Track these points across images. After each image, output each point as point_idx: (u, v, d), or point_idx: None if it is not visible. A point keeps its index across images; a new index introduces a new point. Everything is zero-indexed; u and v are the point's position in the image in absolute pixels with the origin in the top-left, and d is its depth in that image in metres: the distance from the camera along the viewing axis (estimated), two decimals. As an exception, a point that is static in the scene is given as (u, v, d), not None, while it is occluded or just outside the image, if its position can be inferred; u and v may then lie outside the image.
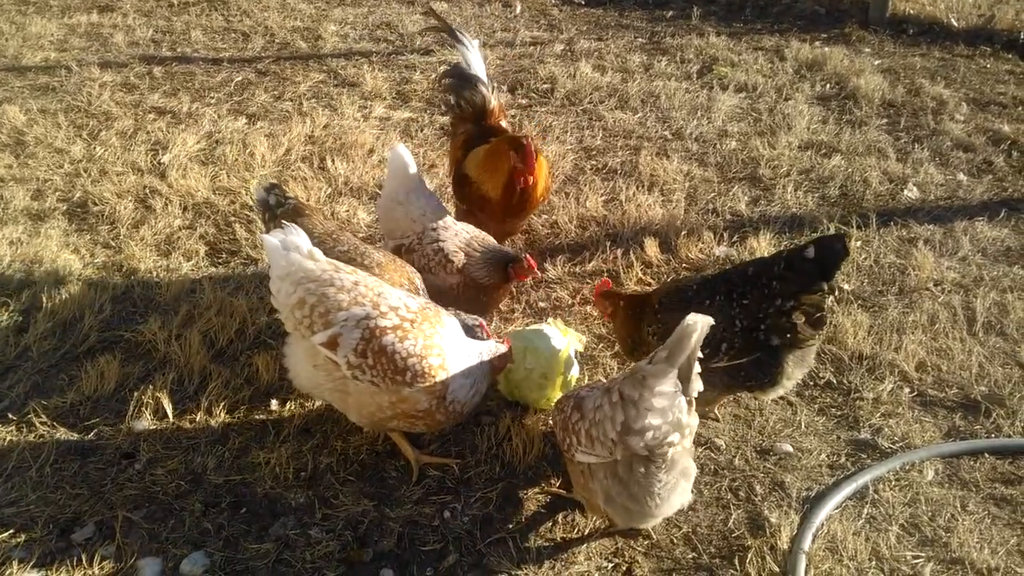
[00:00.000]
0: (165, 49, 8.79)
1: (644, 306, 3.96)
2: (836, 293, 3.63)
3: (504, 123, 5.35)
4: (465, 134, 5.22)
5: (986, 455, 3.96)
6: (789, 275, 3.53)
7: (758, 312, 3.58)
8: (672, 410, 2.94)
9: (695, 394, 3.00)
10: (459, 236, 4.49)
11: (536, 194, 4.84)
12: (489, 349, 3.71)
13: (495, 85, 5.42)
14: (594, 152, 6.77)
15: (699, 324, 2.85)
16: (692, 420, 3.05)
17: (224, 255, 5.38)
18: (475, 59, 5.30)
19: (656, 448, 2.99)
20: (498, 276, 4.43)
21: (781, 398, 4.27)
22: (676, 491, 3.17)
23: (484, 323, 3.93)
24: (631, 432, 2.97)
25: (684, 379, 2.94)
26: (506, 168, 4.69)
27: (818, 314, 3.54)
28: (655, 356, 2.95)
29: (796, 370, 3.72)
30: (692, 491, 3.31)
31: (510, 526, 3.58)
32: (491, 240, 4.58)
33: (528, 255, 4.39)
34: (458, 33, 5.37)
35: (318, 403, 4.11)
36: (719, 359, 3.63)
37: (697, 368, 2.95)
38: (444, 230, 4.50)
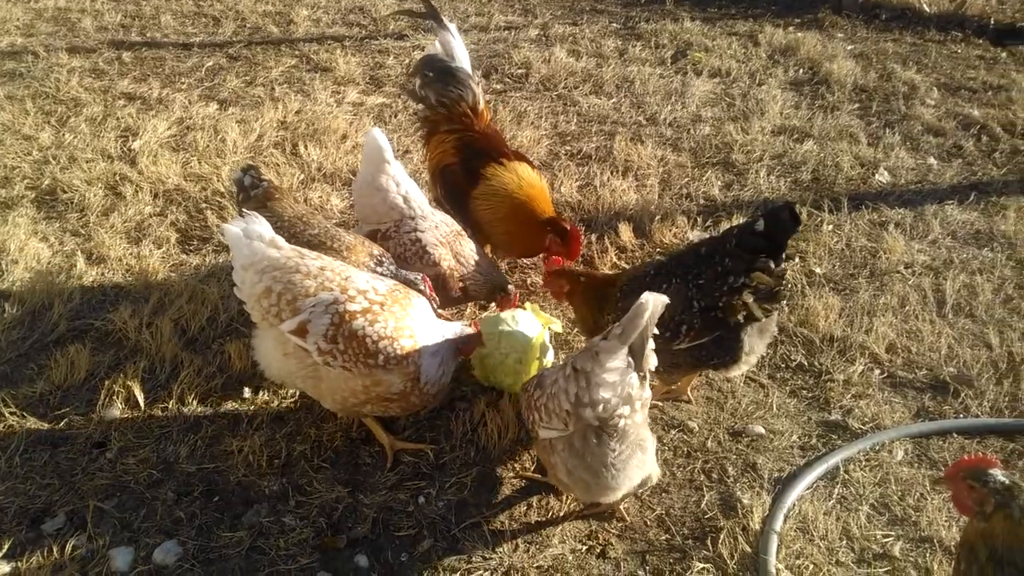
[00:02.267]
0: (135, 34, 8.68)
1: (608, 291, 3.93)
2: (789, 263, 3.60)
3: (493, 123, 5.16)
4: (456, 138, 4.93)
5: (955, 435, 4.01)
6: (740, 252, 3.53)
7: (713, 291, 3.58)
8: (623, 385, 2.99)
9: (649, 369, 3.05)
10: (439, 229, 4.45)
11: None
12: (455, 330, 3.71)
13: (478, 78, 5.23)
14: (568, 137, 6.77)
15: (651, 302, 2.90)
16: (644, 393, 3.10)
17: (195, 242, 5.34)
18: (459, 48, 5.05)
19: (607, 420, 3.04)
20: (487, 298, 4.49)
21: (752, 380, 4.30)
22: (632, 462, 3.20)
23: (425, 277, 3.98)
24: (583, 404, 3.02)
25: (637, 355, 2.99)
26: (541, 246, 4.61)
27: (774, 289, 3.54)
28: (610, 332, 3.00)
29: (758, 343, 3.74)
30: (663, 469, 3.33)
31: (485, 510, 3.59)
32: (476, 249, 4.52)
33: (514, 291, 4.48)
34: (443, 19, 5.11)
35: (291, 390, 4.09)
36: (681, 341, 3.65)
37: (651, 345, 3.00)
38: (423, 220, 4.45)
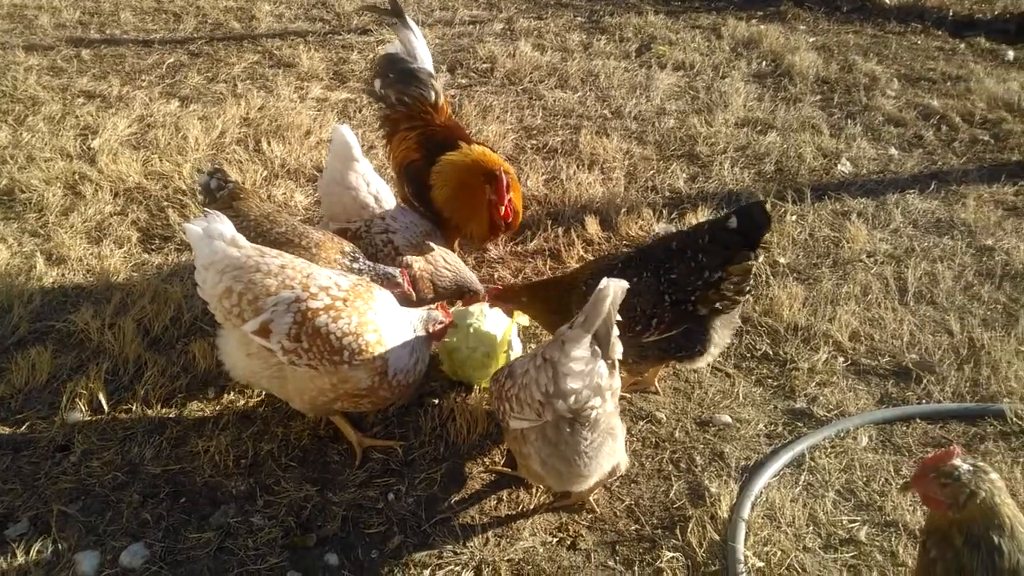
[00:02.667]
0: (93, 31, 8.54)
1: (571, 290, 3.89)
2: (763, 256, 3.63)
3: (455, 117, 5.10)
4: (418, 134, 4.90)
5: (918, 420, 4.07)
6: (714, 247, 3.56)
7: (687, 285, 3.61)
8: (591, 374, 3.00)
9: (616, 357, 3.06)
10: (410, 230, 4.43)
11: (517, 221, 4.70)
12: (421, 316, 3.68)
13: (443, 73, 5.17)
14: (534, 132, 6.77)
15: (611, 288, 2.92)
16: (614, 382, 3.11)
17: (157, 241, 5.27)
18: (421, 48, 5.02)
19: (580, 410, 3.05)
20: (456, 297, 4.47)
21: (719, 370, 4.34)
22: (603, 450, 3.22)
23: (404, 271, 3.97)
24: (554, 395, 3.02)
25: (603, 343, 3.00)
26: (484, 204, 4.52)
27: (744, 283, 3.58)
28: (574, 321, 3.02)
29: (724, 333, 3.79)
30: (632, 460, 3.35)
31: (455, 505, 3.59)
32: (446, 249, 4.51)
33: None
34: (407, 17, 5.05)
35: (258, 389, 4.06)
36: (651, 334, 3.67)
37: (616, 332, 3.00)
38: (393, 220, 4.44)
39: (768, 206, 3.50)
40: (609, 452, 3.27)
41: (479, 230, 4.68)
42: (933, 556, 2.52)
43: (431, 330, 3.69)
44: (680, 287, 3.62)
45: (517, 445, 3.34)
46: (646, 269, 3.70)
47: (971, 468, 2.44)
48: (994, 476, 2.44)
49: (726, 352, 4.31)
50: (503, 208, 4.50)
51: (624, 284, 2.96)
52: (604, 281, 2.94)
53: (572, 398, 3.00)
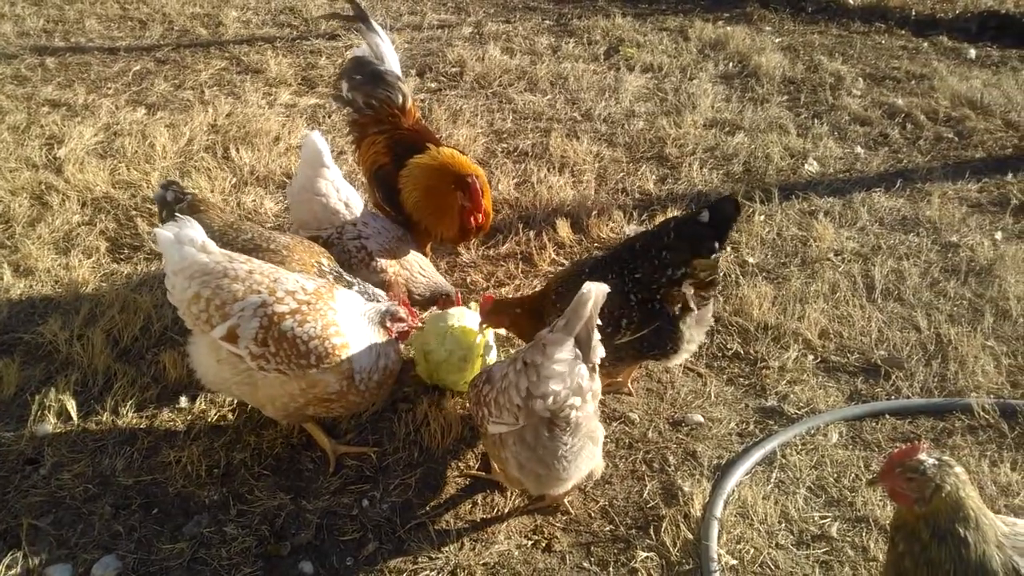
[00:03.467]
0: (58, 39, 8.45)
1: (543, 302, 3.92)
2: (725, 252, 3.67)
3: (423, 121, 5.10)
4: (386, 137, 4.89)
5: (887, 416, 4.12)
6: (679, 244, 3.59)
7: (651, 284, 3.65)
8: (571, 376, 3.00)
9: (596, 360, 3.07)
10: (382, 235, 4.42)
11: (488, 223, 4.73)
12: (380, 311, 3.61)
13: (411, 77, 5.16)
14: (505, 135, 6.78)
15: (593, 291, 2.94)
16: (594, 385, 3.12)
17: (126, 250, 5.22)
18: (388, 51, 5.02)
19: (558, 412, 3.05)
20: (430, 302, 4.49)
21: (690, 370, 4.37)
22: (583, 454, 3.23)
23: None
24: (534, 397, 3.03)
25: (584, 346, 3.02)
26: (454, 208, 4.54)
27: (710, 277, 3.61)
28: (555, 325, 3.04)
29: (697, 331, 3.80)
30: (605, 461, 3.37)
31: (430, 510, 3.58)
32: (418, 254, 4.51)
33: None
34: (372, 21, 5.06)
35: (229, 398, 4.03)
36: (622, 335, 3.69)
37: (596, 336, 3.03)
38: (365, 226, 4.43)
39: (739, 198, 3.53)
40: (589, 456, 3.28)
41: (449, 233, 4.68)
42: (901, 550, 2.56)
43: (391, 327, 3.61)
44: (645, 286, 3.66)
45: (495, 450, 3.33)
46: (611, 271, 3.72)
47: (936, 462, 2.48)
48: (959, 470, 2.48)
49: (698, 352, 4.34)
50: (476, 215, 4.52)
51: (605, 288, 2.98)
52: (586, 285, 2.96)
53: (551, 399, 3.00)
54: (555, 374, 2.99)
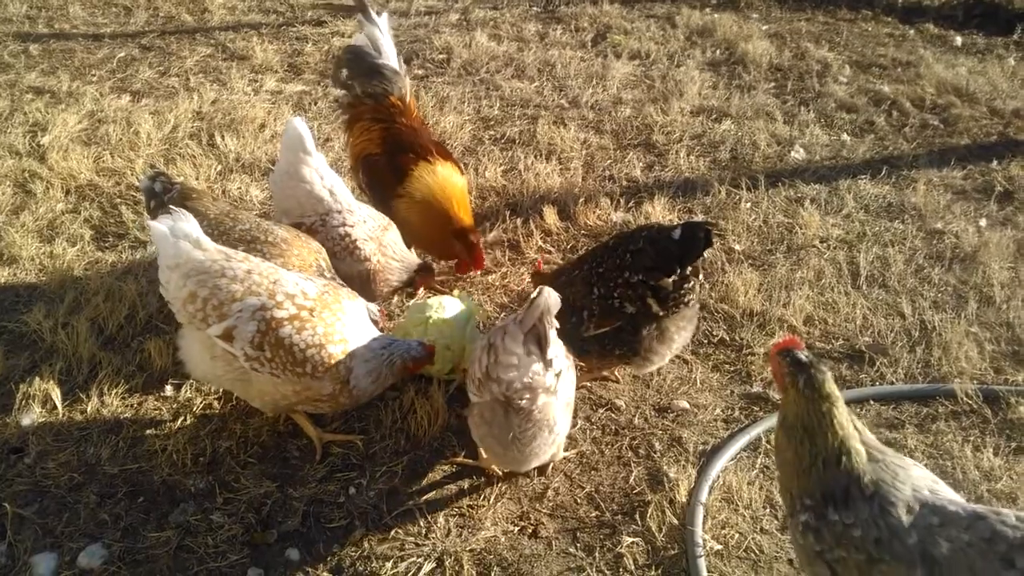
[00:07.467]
0: (41, 25, 8.36)
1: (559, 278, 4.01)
2: (696, 279, 3.68)
3: (419, 116, 5.12)
4: (382, 128, 4.89)
5: (871, 402, 4.15)
6: (645, 252, 3.63)
7: (610, 281, 3.71)
8: (523, 369, 3.11)
9: (550, 358, 3.15)
10: (367, 224, 4.40)
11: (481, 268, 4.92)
12: (401, 348, 3.62)
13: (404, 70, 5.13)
14: (492, 122, 6.77)
15: (544, 297, 3.08)
16: (558, 383, 3.21)
17: (111, 239, 5.19)
18: (387, 44, 4.97)
19: (512, 397, 3.15)
20: (409, 284, 4.54)
21: (677, 357, 4.37)
22: (538, 440, 3.30)
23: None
24: (490, 378, 3.15)
25: (541, 346, 3.13)
26: (450, 250, 4.73)
27: (671, 293, 3.62)
28: (516, 316, 3.16)
29: (663, 346, 3.80)
30: (592, 447, 3.40)
31: (417, 498, 3.60)
32: (400, 240, 4.51)
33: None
34: (371, 12, 4.98)
35: (215, 387, 4.03)
36: (586, 327, 3.75)
37: (552, 336, 3.14)
38: (350, 214, 4.39)
39: (716, 230, 3.60)
40: (546, 442, 3.34)
41: (441, 257, 4.93)
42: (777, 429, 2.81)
43: (406, 363, 3.62)
44: (605, 281, 3.73)
45: (471, 419, 3.45)
46: (588, 263, 3.85)
47: (800, 358, 2.70)
48: (825, 367, 2.69)
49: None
50: (471, 268, 4.77)
51: (556, 297, 3.10)
52: (541, 289, 3.11)
53: (504, 385, 3.12)
54: (507, 363, 3.11)
